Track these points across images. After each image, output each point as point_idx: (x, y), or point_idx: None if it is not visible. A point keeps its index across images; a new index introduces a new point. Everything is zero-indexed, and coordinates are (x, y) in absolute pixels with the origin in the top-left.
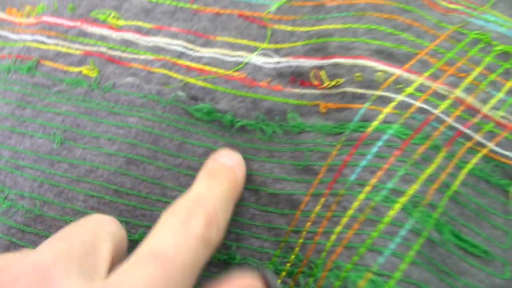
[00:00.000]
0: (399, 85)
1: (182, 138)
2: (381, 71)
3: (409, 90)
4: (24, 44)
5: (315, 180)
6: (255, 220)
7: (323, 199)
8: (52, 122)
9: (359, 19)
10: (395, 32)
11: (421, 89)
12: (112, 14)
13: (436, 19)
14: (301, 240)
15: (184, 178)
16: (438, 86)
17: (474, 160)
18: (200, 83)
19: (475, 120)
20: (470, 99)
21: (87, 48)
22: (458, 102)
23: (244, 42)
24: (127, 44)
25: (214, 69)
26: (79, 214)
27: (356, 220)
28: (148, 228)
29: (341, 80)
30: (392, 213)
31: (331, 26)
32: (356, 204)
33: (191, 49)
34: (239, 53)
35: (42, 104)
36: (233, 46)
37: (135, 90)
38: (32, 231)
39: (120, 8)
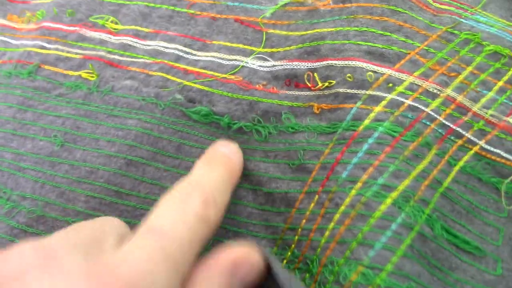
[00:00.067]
0: (389, 84)
1: (180, 140)
2: (372, 71)
3: (400, 89)
4: (25, 49)
5: (308, 178)
6: (253, 219)
7: (316, 197)
8: (53, 124)
9: (351, 22)
10: (386, 33)
11: (411, 88)
12: (111, 19)
13: (427, 20)
14: (296, 237)
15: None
16: (428, 85)
17: (465, 157)
18: (198, 86)
19: (466, 118)
20: (461, 98)
21: (86, 52)
22: (449, 100)
23: (240, 46)
24: (125, 48)
25: (210, 72)
26: (81, 214)
27: (348, 215)
28: None
29: (333, 82)
30: (383, 207)
31: (324, 30)
32: (347, 200)
33: (188, 53)
34: (235, 57)
35: (43, 107)
36: (229, 50)
37: (133, 93)
38: (34, 231)
39: (118, 13)
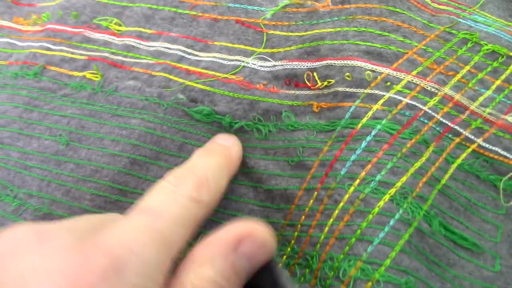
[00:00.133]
0: (388, 83)
1: (182, 139)
2: (370, 70)
3: (398, 87)
4: (31, 51)
5: (307, 175)
6: (254, 215)
7: (315, 193)
8: (58, 124)
9: (350, 23)
10: (384, 33)
11: (409, 86)
12: (114, 21)
13: (425, 20)
14: (296, 233)
15: None
16: (426, 83)
17: (463, 155)
18: (199, 86)
19: (464, 116)
20: (459, 96)
21: (91, 53)
22: (446, 99)
23: (241, 46)
24: (128, 49)
25: (212, 73)
26: (87, 213)
27: (347, 212)
28: None
29: (332, 81)
30: (381, 204)
31: (323, 30)
32: (346, 196)
33: (190, 54)
34: (237, 57)
35: (48, 107)
36: (230, 51)
37: (137, 93)
38: None
39: (122, 15)
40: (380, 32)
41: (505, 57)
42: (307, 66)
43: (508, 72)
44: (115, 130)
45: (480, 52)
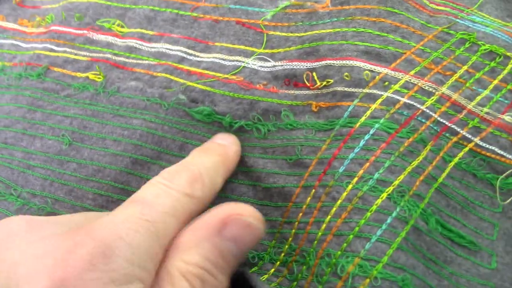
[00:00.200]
0: (386, 82)
1: (184, 139)
2: (368, 70)
3: (396, 87)
4: (34, 52)
5: (305, 172)
6: None
7: (313, 191)
8: (61, 124)
9: (349, 23)
10: (383, 33)
11: (407, 86)
12: (117, 22)
13: (423, 20)
14: (293, 231)
15: None
16: (424, 83)
17: (460, 154)
18: (200, 87)
19: (461, 116)
20: (456, 96)
21: (94, 54)
22: (444, 98)
23: (242, 47)
24: (131, 50)
25: (213, 73)
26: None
27: (345, 209)
28: None
29: (331, 81)
30: (379, 201)
31: (323, 31)
32: (344, 194)
33: (191, 54)
34: (237, 57)
35: (52, 107)
36: (231, 51)
37: (138, 94)
38: None
39: (124, 17)
40: (378, 33)
41: (502, 57)
42: (306, 66)
43: (505, 72)
44: (117, 130)
45: (478, 52)
